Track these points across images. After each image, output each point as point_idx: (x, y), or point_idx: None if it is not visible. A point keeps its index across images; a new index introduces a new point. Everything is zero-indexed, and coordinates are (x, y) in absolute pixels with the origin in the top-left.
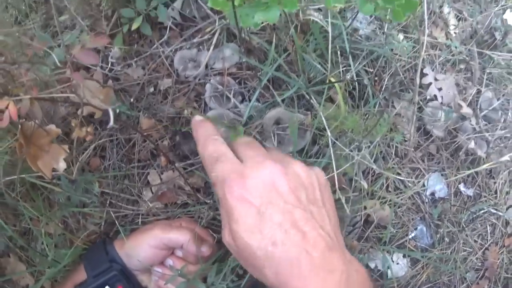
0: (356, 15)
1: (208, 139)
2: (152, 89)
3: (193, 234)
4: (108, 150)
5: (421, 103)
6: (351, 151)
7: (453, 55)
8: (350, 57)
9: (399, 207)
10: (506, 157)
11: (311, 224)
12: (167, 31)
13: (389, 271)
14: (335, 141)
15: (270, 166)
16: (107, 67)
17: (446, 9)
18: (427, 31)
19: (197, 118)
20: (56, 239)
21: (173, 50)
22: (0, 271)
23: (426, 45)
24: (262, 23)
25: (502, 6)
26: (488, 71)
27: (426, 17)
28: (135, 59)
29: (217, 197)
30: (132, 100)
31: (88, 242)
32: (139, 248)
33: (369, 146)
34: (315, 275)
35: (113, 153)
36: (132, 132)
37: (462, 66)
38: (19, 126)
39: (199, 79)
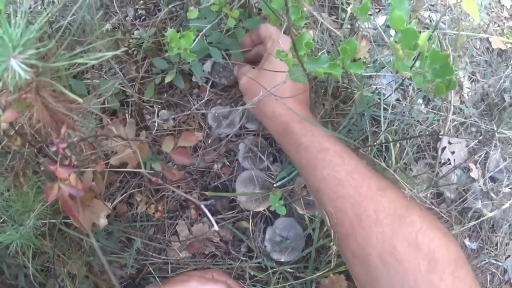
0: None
1: None
2: None
3: (227, 287)
4: (135, 198)
5: (436, 166)
6: None
7: (465, 118)
8: (382, 123)
9: None
10: (506, 204)
11: None
12: (199, 86)
13: None
14: None
15: None
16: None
17: (461, 73)
18: (452, 108)
19: None
20: (80, 280)
21: (204, 103)
22: None
23: (440, 109)
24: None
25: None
26: (497, 134)
27: (452, 93)
28: (165, 110)
29: None
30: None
31: (113, 286)
32: None
33: None
34: None
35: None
36: (161, 183)
37: (473, 129)
38: None
39: (231, 137)
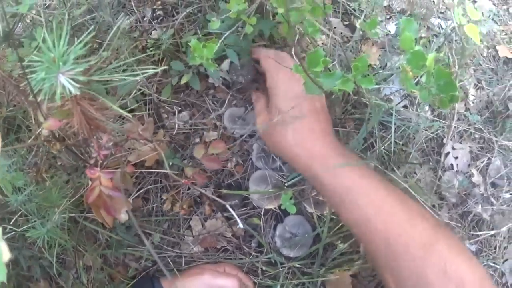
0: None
1: None
2: (197, 140)
3: (239, 281)
4: (152, 194)
5: (439, 170)
6: None
7: (469, 125)
8: (393, 130)
9: None
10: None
11: None
12: (215, 86)
13: None
14: None
15: None
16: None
17: (467, 79)
18: (455, 117)
19: None
20: (95, 273)
21: (219, 103)
22: None
23: (446, 117)
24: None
25: None
26: (499, 141)
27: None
28: (181, 109)
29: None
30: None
31: (127, 278)
32: None
33: None
34: None
35: (156, 197)
36: (176, 179)
37: (477, 136)
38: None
39: (245, 137)
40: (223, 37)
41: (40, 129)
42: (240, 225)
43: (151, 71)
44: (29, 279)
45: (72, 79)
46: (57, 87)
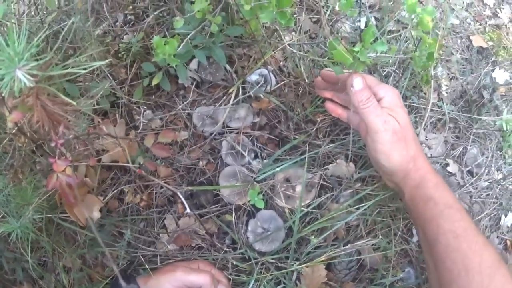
0: None
1: None
2: (169, 140)
3: (211, 276)
4: (127, 194)
5: None
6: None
7: (443, 115)
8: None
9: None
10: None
11: None
12: (185, 87)
13: None
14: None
15: None
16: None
17: (440, 70)
18: (431, 103)
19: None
20: (74, 273)
21: (190, 103)
22: None
23: (418, 107)
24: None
25: (492, 64)
26: (474, 130)
27: (431, 90)
28: (154, 111)
29: None
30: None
31: (105, 277)
32: (162, 287)
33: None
34: None
35: (131, 197)
36: (150, 179)
37: (451, 125)
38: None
39: (215, 135)
40: (188, 36)
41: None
42: (188, 209)
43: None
44: (13, 282)
45: (29, 74)
46: (14, 81)
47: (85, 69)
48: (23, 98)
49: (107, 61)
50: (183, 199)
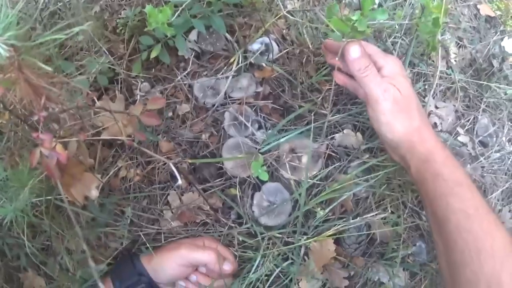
0: None
1: None
2: (170, 114)
3: (216, 253)
4: (128, 170)
5: None
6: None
7: (452, 83)
8: None
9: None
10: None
11: None
12: (185, 59)
13: (390, 283)
14: None
15: None
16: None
17: (448, 37)
18: (439, 69)
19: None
20: (77, 256)
21: (190, 75)
22: (18, 285)
23: (427, 74)
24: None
25: (501, 33)
26: (485, 99)
27: (439, 57)
28: (154, 86)
29: None
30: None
31: (110, 258)
32: (166, 265)
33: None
34: None
35: (134, 175)
36: (151, 155)
37: (461, 94)
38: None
39: (217, 106)
40: (184, 4)
41: None
42: (179, 181)
43: None
44: (18, 269)
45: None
46: None
47: (66, 34)
48: (5, 71)
49: (89, 23)
50: (174, 169)
